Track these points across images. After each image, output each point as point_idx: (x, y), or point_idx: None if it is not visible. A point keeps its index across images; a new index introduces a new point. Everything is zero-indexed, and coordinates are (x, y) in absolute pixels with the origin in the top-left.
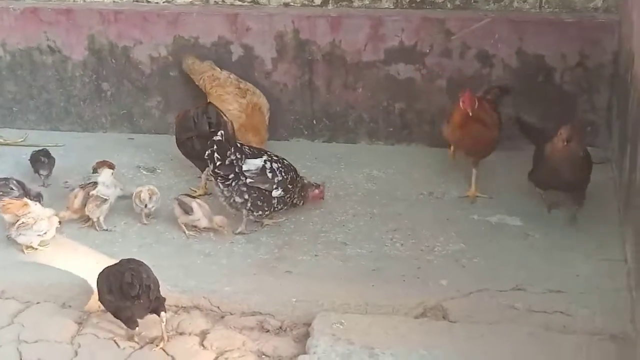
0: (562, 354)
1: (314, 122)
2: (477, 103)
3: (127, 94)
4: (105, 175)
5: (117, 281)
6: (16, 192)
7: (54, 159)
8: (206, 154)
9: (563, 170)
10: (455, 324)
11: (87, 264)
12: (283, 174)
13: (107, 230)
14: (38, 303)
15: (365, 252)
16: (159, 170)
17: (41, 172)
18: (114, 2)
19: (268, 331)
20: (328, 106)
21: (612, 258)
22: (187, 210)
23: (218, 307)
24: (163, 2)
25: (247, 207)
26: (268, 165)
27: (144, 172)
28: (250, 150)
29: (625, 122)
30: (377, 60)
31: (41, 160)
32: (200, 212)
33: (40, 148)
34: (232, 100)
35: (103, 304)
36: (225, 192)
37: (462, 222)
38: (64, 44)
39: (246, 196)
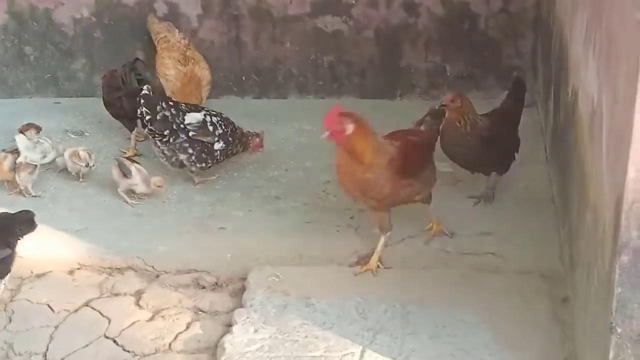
0: (495, 294)
1: (243, 78)
2: (354, 126)
3: (51, 57)
4: (20, 140)
5: None
6: None
7: None
8: (138, 112)
9: (452, 148)
10: (389, 270)
11: None
12: (223, 126)
13: (36, 196)
14: None
15: (299, 205)
16: (87, 134)
17: None
18: None
19: (204, 287)
20: (256, 62)
21: (539, 197)
22: (126, 173)
23: (152, 267)
24: None
25: (191, 161)
26: (208, 118)
27: (72, 136)
28: (187, 106)
29: (549, 65)
30: (303, 13)
31: None
32: (138, 176)
33: None
34: (171, 65)
35: None
36: (166, 152)
37: None
38: None
39: (190, 151)
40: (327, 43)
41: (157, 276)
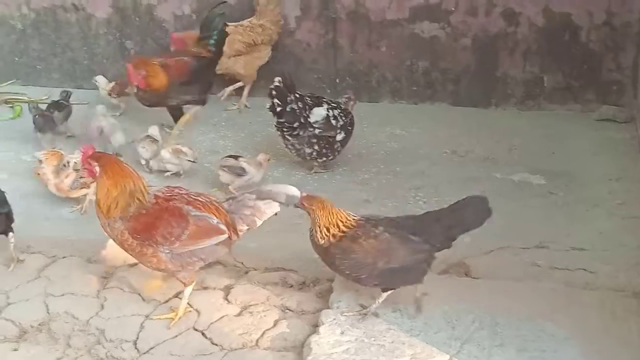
0: (585, 310)
1: (337, 80)
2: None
3: (150, 52)
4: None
5: None
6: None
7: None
8: (267, 106)
9: None
10: (478, 281)
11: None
12: (343, 117)
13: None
14: (64, 257)
15: (388, 210)
16: (182, 128)
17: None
18: None
19: (291, 286)
20: (351, 65)
21: (635, 215)
22: (240, 173)
23: (242, 263)
24: None
25: (314, 156)
26: (330, 112)
27: (167, 130)
28: (312, 99)
29: None
30: (401, 18)
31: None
32: (251, 168)
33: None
34: None
35: None
36: (296, 145)
37: (485, 180)
38: (88, 1)
39: (316, 147)
40: (423, 49)
41: (246, 272)
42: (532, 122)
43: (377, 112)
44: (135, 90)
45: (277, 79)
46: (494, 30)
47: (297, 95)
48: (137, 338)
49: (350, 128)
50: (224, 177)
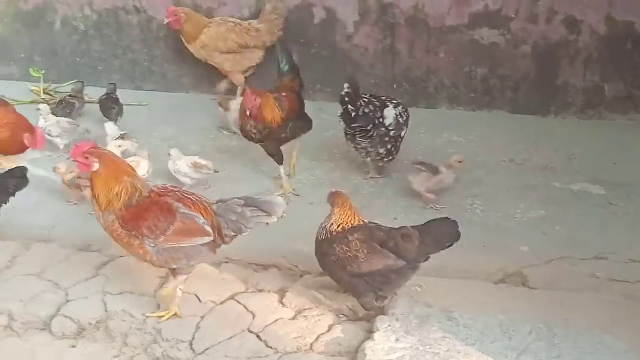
0: None
1: (394, 86)
2: None
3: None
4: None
5: None
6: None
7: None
8: (339, 113)
9: None
10: (535, 291)
11: None
12: (406, 115)
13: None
14: (122, 257)
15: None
16: (239, 132)
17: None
18: None
19: (346, 292)
20: (409, 71)
21: None
22: (434, 172)
23: (297, 267)
24: None
25: (382, 155)
26: (397, 111)
27: (226, 133)
28: (377, 100)
29: None
30: (461, 24)
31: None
32: (444, 168)
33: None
34: None
35: None
36: (368, 148)
37: (543, 189)
38: (150, 4)
39: (389, 146)
40: (483, 56)
41: (301, 276)
42: (593, 132)
43: (434, 119)
44: (242, 125)
45: (345, 85)
46: (555, 38)
47: (366, 99)
48: (193, 339)
49: (408, 124)
50: (417, 180)
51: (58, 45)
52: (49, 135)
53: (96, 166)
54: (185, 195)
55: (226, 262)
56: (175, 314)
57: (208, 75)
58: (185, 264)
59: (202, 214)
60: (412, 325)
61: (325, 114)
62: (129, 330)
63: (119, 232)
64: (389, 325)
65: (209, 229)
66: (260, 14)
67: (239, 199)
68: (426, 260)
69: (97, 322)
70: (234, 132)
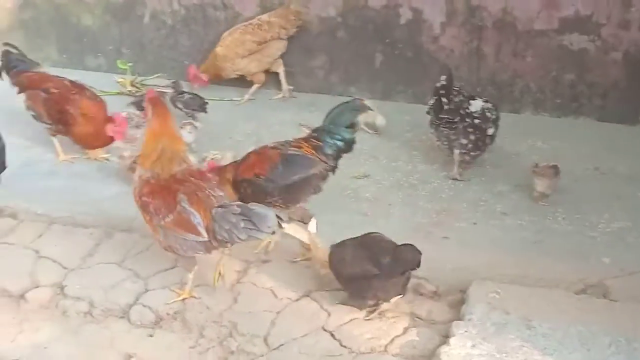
0: None
1: (479, 89)
2: None
3: (292, 52)
4: None
5: None
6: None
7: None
8: (430, 103)
9: None
10: (617, 303)
11: None
12: (495, 112)
13: None
14: None
15: (525, 224)
16: None
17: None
18: None
19: (422, 295)
20: (494, 74)
21: None
22: (556, 173)
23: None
24: None
25: (468, 147)
26: (485, 105)
27: (305, 130)
28: (466, 92)
29: None
30: (549, 29)
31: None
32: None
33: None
34: None
35: None
36: (451, 136)
37: (629, 199)
38: (237, 0)
39: (472, 137)
40: (571, 61)
41: None
42: None
43: (518, 123)
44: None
45: (442, 77)
46: None
47: (457, 89)
48: (268, 334)
49: (498, 125)
50: (541, 182)
51: (146, 38)
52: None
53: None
54: (202, 189)
55: (301, 259)
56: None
57: (292, 73)
58: (182, 254)
59: (201, 214)
60: (488, 331)
61: (406, 115)
62: (205, 322)
63: (137, 199)
64: (465, 331)
65: (201, 229)
66: (280, 8)
67: (237, 206)
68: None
69: (175, 313)
70: (371, 132)
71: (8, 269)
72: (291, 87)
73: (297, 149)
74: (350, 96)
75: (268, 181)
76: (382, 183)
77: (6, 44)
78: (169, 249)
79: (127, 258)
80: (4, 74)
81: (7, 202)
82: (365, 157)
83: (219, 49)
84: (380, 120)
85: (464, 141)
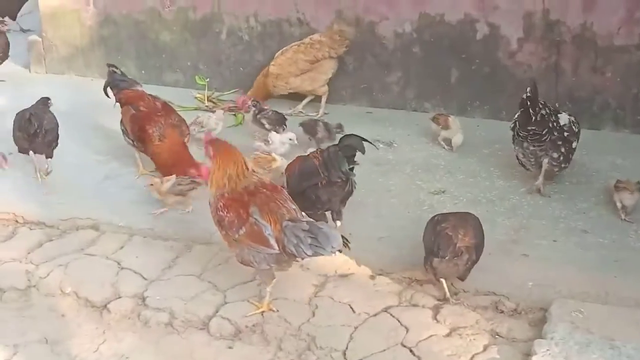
0: None
1: (557, 104)
2: None
3: (368, 68)
4: None
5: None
6: (320, 134)
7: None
8: (515, 116)
9: None
10: None
11: None
12: (578, 125)
13: None
14: None
15: (606, 242)
16: (395, 145)
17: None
18: None
19: (502, 312)
20: (573, 90)
21: None
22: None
23: (452, 284)
24: None
25: (559, 160)
26: (571, 118)
27: (381, 145)
28: (552, 105)
29: None
30: (630, 44)
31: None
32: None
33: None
34: None
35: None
36: (538, 152)
37: None
38: (313, 16)
39: (562, 149)
40: None
41: (456, 293)
42: None
43: (597, 140)
44: None
45: (528, 89)
46: None
47: (543, 103)
48: (347, 348)
49: (579, 139)
50: (625, 197)
51: (223, 54)
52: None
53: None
54: (274, 200)
55: (380, 274)
56: (270, 309)
57: (368, 89)
58: (257, 267)
59: (272, 225)
60: (571, 351)
61: (483, 131)
62: (284, 335)
63: (213, 215)
64: (548, 350)
65: (273, 242)
66: (326, 29)
67: (307, 222)
68: None
69: (254, 325)
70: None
71: (91, 280)
72: (327, 112)
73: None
74: (425, 111)
75: (287, 186)
76: (460, 199)
77: (110, 65)
78: (245, 263)
79: (206, 270)
80: (109, 91)
81: (89, 214)
82: (442, 173)
83: (272, 68)
84: (458, 139)
85: (555, 154)
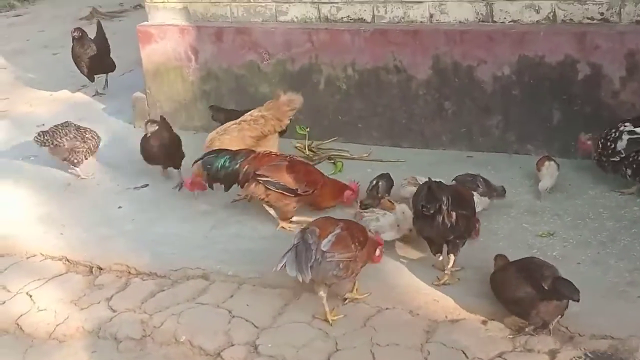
0: None
1: None
2: None
3: (468, 112)
4: None
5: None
6: (481, 189)
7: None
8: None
9: None
10: None
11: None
12: None
13: None
14: (388, 309)
15: None
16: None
17: None
18: (460, 22)
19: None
20: None
21: None
22: None
23: (567, 328)
24: (509, 22)
25: None
26: None
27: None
28: None
29: None
30: None
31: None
32: None
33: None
34: None
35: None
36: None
37: None
38: (410, 63)
39: None
40: None
41: (571, 337)
42: None
43: None
44: None
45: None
46: None
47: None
48: None
49: None
50: None
51: (321, 103)
52: None
53: None
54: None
55: (492, 320)
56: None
57: (466, 133)
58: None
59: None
60: None
61: (587, 173)
62: None
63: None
64: None
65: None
66: (271, 101)
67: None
68: None
69: None
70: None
71: (203, 328)
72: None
73: None
74: (527, 154)
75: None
76: (569, 241)
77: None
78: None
79: (316, 317)
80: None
81: (198, 264)
82: (549, 216)
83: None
84: (543, 184)
85: None
